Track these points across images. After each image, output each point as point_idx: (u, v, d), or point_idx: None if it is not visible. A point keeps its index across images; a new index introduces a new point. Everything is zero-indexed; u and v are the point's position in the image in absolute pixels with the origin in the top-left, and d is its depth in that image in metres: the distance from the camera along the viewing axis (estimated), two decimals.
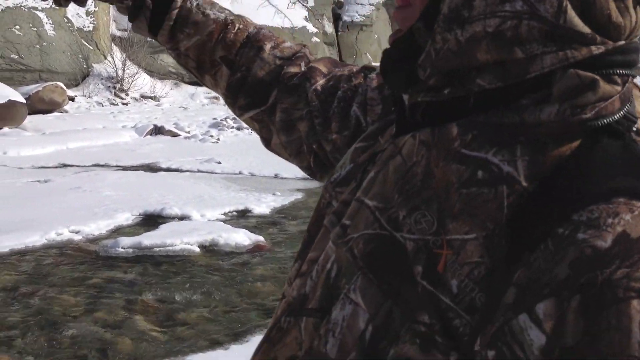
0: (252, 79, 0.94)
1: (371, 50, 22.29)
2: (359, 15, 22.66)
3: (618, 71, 0.55)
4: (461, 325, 0.52)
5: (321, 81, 0.90)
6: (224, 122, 14.01)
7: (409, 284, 0.55)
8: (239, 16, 0.99)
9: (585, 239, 0.47)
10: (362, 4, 22.92)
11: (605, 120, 0.54)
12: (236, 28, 0.96)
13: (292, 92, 0.91)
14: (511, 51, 0.54)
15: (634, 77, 0.58)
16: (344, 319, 0.60)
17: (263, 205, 7.19)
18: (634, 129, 0.56)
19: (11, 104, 12.16)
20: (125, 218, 6.43)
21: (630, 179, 0.51)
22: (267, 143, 0.97)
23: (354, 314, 0.59)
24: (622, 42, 0.55)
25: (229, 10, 0.99)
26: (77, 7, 13.33)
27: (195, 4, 0.96)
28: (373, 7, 22.80)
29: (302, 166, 0.94)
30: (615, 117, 0.54)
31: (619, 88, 0.55)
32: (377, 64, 0.77)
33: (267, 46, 0.96)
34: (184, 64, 0.99)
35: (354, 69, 0.92)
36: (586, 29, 0.53)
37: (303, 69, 0.93)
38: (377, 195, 0.61)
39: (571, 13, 0.53)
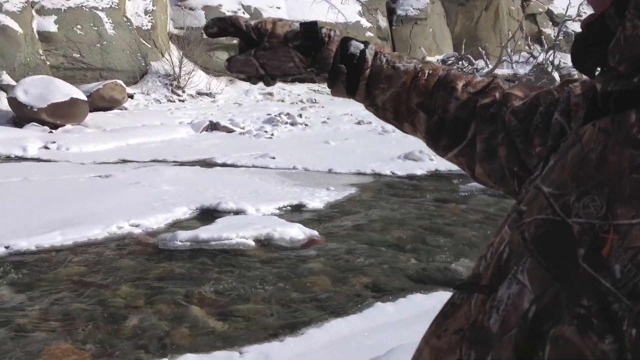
0: (449, 118, 0.98)
1: (425, 44, 22.05)
2: (413, 9, 22.45)
3: None
4: (620, 310, 0.52)
5: (518, 103, 0.91)
6: (278, 118, 14.11)
7: (574, 267, 0.57)
8: (426, 63, 1.04)
9: None
10: None
11: None
12: (426, 74, 1.00)
13: (490, 122, 0.93)
14: None
15: None
16: (510, 297, 0.63)
17: (317, 200, 7.22)
18: None
19: (73, 101, 12.55)
20: (183, 212, 6.56)
21: None
22: (472, 174, 1.00)
23: (519, 293, 0.62)
24: None
25: (416, 60, 1.04)
26: (136, 5, 13.58)
27: (384, 60, 1.01)
28: (428, 1, 22.56)
29: (509, 191, 0.95)
30: None
31: None
32: (502, 72, 0.78)
33: (460, 85, 0.99)
34: (382, 116, 1.05)
35: (554, 86, 0.94)
36: None
37: (498, 97, 0.95)
38: (554, 182, 0.63)
39: None
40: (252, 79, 1.05)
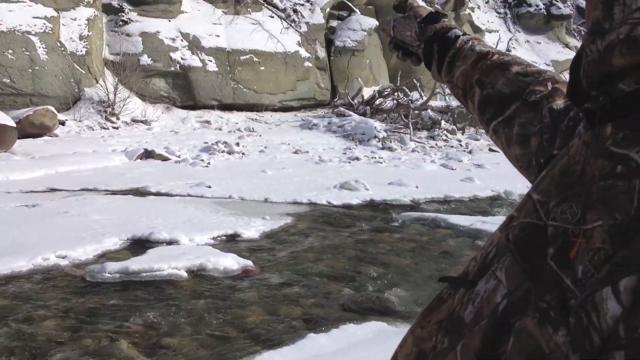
0: (495, 93, 1.07)
1: (363, 75, 22.43)
2: (351, 40, 22.83)
3: None
4: (575, 305, 0.55)
5: (559, 101, 0.98)
6: (215, 147, 14.02)
7: (544, 265, 0.60)
8: (501, 52, 1.14)
9: None
10: (354, 30, 23.11)
11: None
12: (494, 57, 1.12)
13: (531, 108, 1.00)
14: None
15: None
16: (486, 291, 0.67)
17: (252, 229, 7.17)
18: None
19: (1, 128, 12.15)
20: (113, 243, 6.40)
21: None
22: (507, 153, 1.06)
23: (495, 288, 0.66)
24: None
25: (496, 49, 1.16)
26: (71, 31, 13.31)
27: (469, 44, 1.16)
28: (365, 33, 22.99)
29: (531, 180, 0.99)
30: None
31: None
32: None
33: (514, 68, 1.08)
34: (455, 94, 1.18)
35: None
36: None
37: (549, 88, 1.01)
38: (543, 190, 0.67)
39: None
40: (391, 44, 1.31)
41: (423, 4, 1.33)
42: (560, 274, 0.58)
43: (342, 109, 19.77)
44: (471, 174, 12.06)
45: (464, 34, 1.20)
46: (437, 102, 19.21)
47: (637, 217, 0.53)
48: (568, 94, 0.69)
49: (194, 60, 19.38)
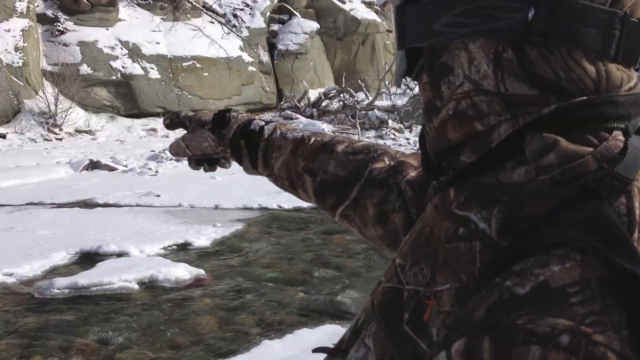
0: (330, 178, 1.01)
1: (307, 78, 22.52)
2: (293, 43, 22.90)
3: (593, 126, 0.56)
4: None
5: (413, 173, 0.94)
6: (162, 154, 13.86)
7: (402, 330, 0.62)
8: (316, 133, 1.09)
9: (508, 285, 0.50)
10: (296, 33, 23.19)
11: (578, 181, 0.55)
12: (312, 140, 1.06)
13: (381, 186, 0.95)
14: (472, 126, 0.60)
15: (627, 131, 0.57)
16: (357, 359, 0.68)
17: (203, 237, 7.15)
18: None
19: None
20: (61, 257, 6.29)
21: (577, 232, 0.52)
22: (365, 235, 1.01)
23: (364, 356, 0.67)
24: (585, 98, 0.56)
25: (309, 131, 1.10)
26: (6, 42, 12.95)
27: (279, 132, 1.09)
28: (307, 36, 23.09)
29: None
30: (593, 177, 0.54)
31: (589, 149, 0.55)
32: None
33: (339, 147, 1.03)
34: (281, 185, 1.10)
35: None
36: (532, 91, 0.57)
37: (389, 163, 0.98)
38: (403, 253, 0.69)
39: (510, 80, 0.57)
40: (191, 163, 1.18)
41: (190, 112, 1.22)
42: (415, 339, 0.61)
43: (289, 112, 19.81)
44: None
45: (266, 122, 1.14)
46: (383, 102, 19.46)
47: (480, 279, 0.55)
48: (423, 169, 0.71)
49: (135, 68, 19.11)
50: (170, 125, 1.22)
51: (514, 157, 0.59)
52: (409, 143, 17.18)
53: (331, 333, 4.39)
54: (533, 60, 0.57)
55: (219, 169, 1.22)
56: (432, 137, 0.65)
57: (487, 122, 0.59)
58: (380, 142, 17.32)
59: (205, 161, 1.18)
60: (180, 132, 1.14)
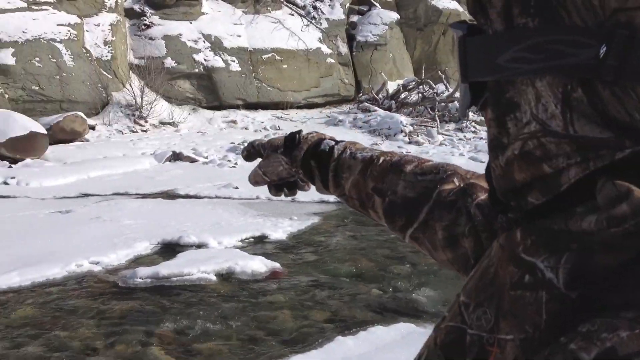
0: (399, 199, 1.01)
1: (386, 69, 22.36)
2: (372, 35, 22.77)
3: None
4: None
5: (483, 196, 0.92)
6: (242, 146, 14.11)
7: None
8: (385, 152, 1.09)
9: (573, 349, 0.48)
10: (375, 24, 23.04)
11: None
12: (381, 160, 1.06)
13: (450, 209, 0.94)
14: (539, 168, 0.57)
15: None
16: None
17: (280, 230, 7.24)
18: None
19: (32, 135, 12.40)
20: (144, 247, 6.52)
21: None
22: (435, 258, 1.00)
23: None
24: None
25: (378, 151, 1.10)
26: (95, 36, 13.35)
27: (348, 152, 1.10)
28: (387, 27, 22.90)
29: None
30: None
31: None
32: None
33: (408, 167, 1.02)
34: (352, 205, 1.11)
35: None
36: (605, 134, 0.53)
37: (458, 184, 0.96)
38: (467, 291, 0.66)
39: (580, 122, 0.54)
40: (271, 190, 1.21)
41: (264, 139, 1.24)
42: None
43: (367, 104, 19.76)
44: None
45: (336, 142, 1.13)
46: None
47: (547, 331, 0.53)
48: (490, 202, 0.68)
49: (217, 61, 19.52)
50: (248, 156, 1.24)
51: (584, 202, 0.55)
52: None
53: (405, 332, 4.37)
54: (605, 101, 0.53)
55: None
56: (498, 175, 0.62)
57: (556, 165, 0.56)
58: (460, 134, 17.01)
59: (284, 186, 1.21)
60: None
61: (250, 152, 1.23)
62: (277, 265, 5.86)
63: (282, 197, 1.24)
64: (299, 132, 1.18)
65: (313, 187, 1.21)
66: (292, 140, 1.16)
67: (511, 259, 0.60)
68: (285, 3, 22.04)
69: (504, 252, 0.62)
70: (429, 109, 18.50)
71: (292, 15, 21.74)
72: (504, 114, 0.59)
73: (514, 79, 0.58)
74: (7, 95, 15.67)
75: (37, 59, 16.18)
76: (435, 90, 19.09)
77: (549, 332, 0.53)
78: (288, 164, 1.16)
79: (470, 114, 18.21)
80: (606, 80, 0.52)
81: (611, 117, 0.53)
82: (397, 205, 1.00)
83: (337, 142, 1.13)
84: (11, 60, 15.82)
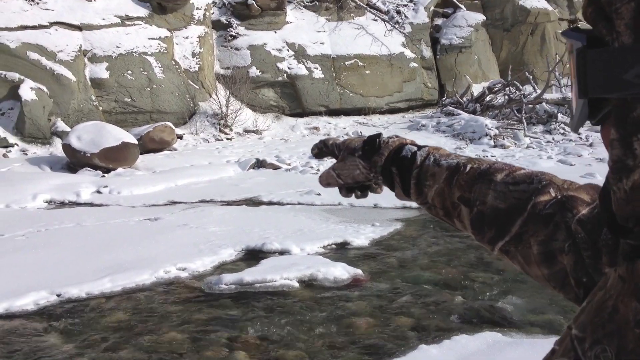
0: (489, 210, 0.95)
1: (471, 72, 21.93)
2: (457, 37, 22.39)
3: None
4: None
5: (584, 210, 0.86)
6: None
7: None
8: (472, 159, 1.04)
9: None
10: (460, 27, 22.65)
11: None
12: (468, 168, 1.01)
13: (547, 223, 0.88)
14: None
15: None
16: None
17: (362, 237, 7.20)
18: None
19: (124, 145, 12.93)
20: (229, 254, 6.64)
21: None
22: (528, 274, 0.95)
23: None
24: None
25: (464, 157, 1.05)
26: (184, 49, 13.78)
27: (432, 159, 1.05)
28: (472, 29, 22.47)
29: (569, 297, 0.90)
30: None
31: None
32: None
33: (499, 176, 0.97)
34: (435, 214, 1.07)
35: None
36: None
37: (555, 195, 0.91)
38: (581, 325, 0.62)
39: None
40: (342, 191, 1.18)
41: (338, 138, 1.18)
42: None
43: (450, 108, 19.43)
44: (592, 169, 11.47)
45: (419, 148, 1.09)
46: (552, 95, 18.46)
47: None
48: (607, 226, 0.62)
49: (300, 69, 19.73)
50: (319, 154, 1.22)
51: None
52: (580, 138, 16.13)
53: (491, 341, 4.23)
54: None
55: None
56: (621, 199, 0.57)
57: None
58: (549, 137, 16.44)
59: (356, 188, 1.17)
60: None
61: (322, 150, 1.21)
62: (359, 272, 5.82)
63: (353, 197, 1.21)
64: (379, 135, 1.14)
65: (386, 190, 1.18)
66: (372, 144, 1.12)
67: (635, 294, 0.55)
68: (368, 9, 22.03)
69: (625, 285, 0.57)
70: (515, 111, 17.99)
71: (376, 20, 21.71)
72: (631, 134, 0.54)
73: None
74: (101, 108, 16.42)
75: (129, 72, 16.89)
76: (522, 92, 18.54)
77: None
78: (366, 168, 1.12)
79: (560, 115, 17.57)
80: None
81: None
82: (486, 217, 0.94)
83: (419, 148, 1.09)
84: (105, 74, 16.58)
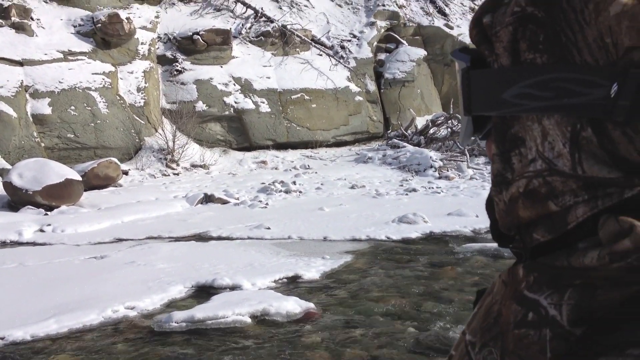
0: None
1: (414, 105, 22.41)
2: (400, 72, 22.90)
3: None
4: None
5: None
6: (272, 187, 14.21)
7: None
8: None
9: None
10: (403, 61, 23.18)
11: None
12: None
13: None
14: (545, 206, 0.56)
15: None
16: None
17: (313, 270, 7.21)
18: None
19: (68, 182, 12.65)
20: (179, 291, 6.54)
21: None
22: None
23: None
24: None
25: None
26: (129, 83, 13.76)
27: None
28: (414, 63, 23.03)
29: None
30: None
31: None
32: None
33: None
34: None
35: None
36: (613, 174, 0.52)
37: None
38: (472, 329, 0.65)
39: (588, 162, 0.53)
40: None
41: None
42: None
43: (396, 140, 19.77)
44: None
45: None
46: None
47: None
48: (492, 235, 0.67)
49: (247, 103, 19.79)
50: None
51: (585, 238, 0.55)
52: None
53: None
54: (615, 141, 0.52)
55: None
56: (502, 210, 0.61)
57: (563, 203, 0.55)
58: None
59: None
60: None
61: None
62: (311, 305, 5.82)
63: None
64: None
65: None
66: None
67: (514, 297, 0.59)
68: (313, 44, 22.35)
69: (507, 289, 0.61)
70: (457, 144, 18.43)
71: (321, 55, 22.03)
72: (509, 150, 0.59)
73: (520, 115, 0.57)
74: (43, 144, 16.06)
75: (72, 107, 16.62)
76: None
77: None
78: None
79: None
80: (617, 121, 0.51)
81: (621, 157, 0.52)
82: None
83: None
84: (48, 110, 16.27)
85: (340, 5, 24.67)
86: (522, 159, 0.57)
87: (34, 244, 9.71)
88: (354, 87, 21.85)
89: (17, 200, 12.35)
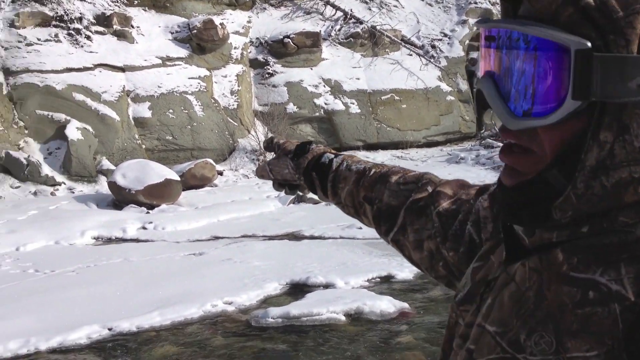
0: (384, 207, 1.10)
1: None
2: None
3: None
4: None
5: (445, 204, 1.01)
6: None
7: None
8: (378, 164, 1.19)
9: None
10: None
11: None
12: (372, 172, 1.16)
13: (420, 214, 1.03)
14: None
15: None
16: None
17: (406, 270, 7.18)
18: None
19: (167, 182, 13.17)
20: (274, 288, 6.68)
21: None
22: (409, 259, 1.09)
23: None
24: None
25: (371, 163, 1.21)
26: (223, 87, 14.13)
27: (345, 165, 1.21)
28: None
29: (439, 279, 1.04)
30: None
31: None
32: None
33: (394, 178, 1.12)
34: (347, 212, 1.23)
35: (474, 191, 1.01)
36: None
37: (430, 191, 1.05)
38: (496, 320, 0.67)
39: None
40: (274, 184, 1.33)
41: (286, 139, 1.50)
42: None
43: (489, 140, 19.36)
44: None
45: (336, 155, 1.24)
46: None
47: (625, 339, 0.54)
48: (513, 219, 0.67)
49: (336, 104, 19.92)
50: (267, 148, 1.39)
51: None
52: None
53: None
54: None
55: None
56: (592, 194, 0.60)
57: None
58: None
59: (286, 185, 1.31)
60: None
61: (269, 146, 1.37)
62: (405, 305, 5.81)
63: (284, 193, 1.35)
64: (310, 142, 1.31)
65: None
66: (302, 149, 1.27)
67: (560, 280, 0.61)
68: (403, 44, 22.22)
69: (545, 274, 0.63)
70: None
71: (411, 55, 21.86)
72: (615, 137, 0.59)
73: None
74: (144, 146, 16.80)
75: (170, 110, 17.28)
76: None
77: (627, 340, 0.55)
78: (293, 170, 1.27)
79: None
80: None
81: None
82: (382, 212, 1.10)
83: (336, 155, 1.25)
84: (148, 113, 16.99)
85: (430, 4, 24.39)
86: (627, 145, 0.58)
87: (137, 240, 10.18)
88: (445, 87, 21.55)
89: (121, 199, 12.98)
